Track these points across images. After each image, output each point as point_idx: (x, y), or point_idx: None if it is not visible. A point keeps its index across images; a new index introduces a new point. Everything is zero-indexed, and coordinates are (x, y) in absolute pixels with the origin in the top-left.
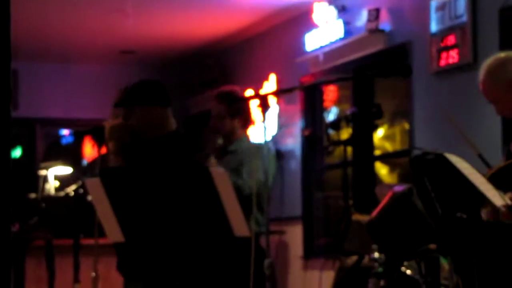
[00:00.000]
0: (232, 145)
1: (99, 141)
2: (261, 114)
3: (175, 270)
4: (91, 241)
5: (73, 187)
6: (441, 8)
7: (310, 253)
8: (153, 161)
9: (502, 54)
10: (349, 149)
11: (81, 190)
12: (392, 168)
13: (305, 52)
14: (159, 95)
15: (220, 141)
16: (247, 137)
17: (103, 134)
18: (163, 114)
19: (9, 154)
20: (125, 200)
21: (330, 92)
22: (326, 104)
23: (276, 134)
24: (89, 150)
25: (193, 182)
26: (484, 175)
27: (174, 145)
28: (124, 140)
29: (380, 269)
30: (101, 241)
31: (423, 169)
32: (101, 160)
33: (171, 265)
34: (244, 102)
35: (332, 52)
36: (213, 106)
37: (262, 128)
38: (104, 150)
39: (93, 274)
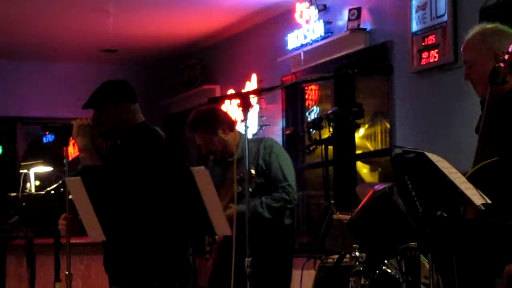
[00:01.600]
0: (234, 154)
1: (65, 139)
2: (242, 113)
3: (155, 270)
4: (72, 240)
5: (54, 185)
6: (422, 7)
7: None
8: (128, 157)
9: (500, 26)
10: (330, 148)
11: (62, 189)
12: (373, 167)
13: (287, 52)
14: (126, 92)
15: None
16: (237, 137)
17: (70, 132)
18: (132, 110)
19: None
20: (106, 199)
21: (312, 91)
22: (307, 103)
23: (257, 133)
24: (72, 149)
25: (174, 180)
26: (464, 174)
27: (141, 135)
28: (92, 137)
29: (361, 268)
30: (83, 240)
31: (404, 167)
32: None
33: (151, 264)
34: (211, 112)
35: (313, 51)
36: (192, 137)
37: (244, 127)
38: (70, 148)
39: (67, 272)
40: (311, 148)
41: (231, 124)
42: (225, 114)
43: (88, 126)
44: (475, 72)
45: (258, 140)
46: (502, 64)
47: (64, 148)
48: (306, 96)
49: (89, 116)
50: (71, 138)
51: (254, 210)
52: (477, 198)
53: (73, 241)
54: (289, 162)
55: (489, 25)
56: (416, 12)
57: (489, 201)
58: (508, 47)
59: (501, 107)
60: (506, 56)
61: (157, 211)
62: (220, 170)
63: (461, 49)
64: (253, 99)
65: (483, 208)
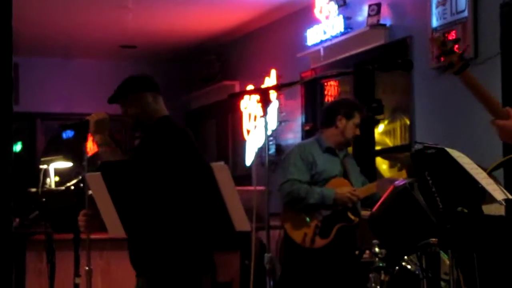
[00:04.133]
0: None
1: (83, 135)
2: (262, 109)
3: (176, 263)
4: (92, 235)
5: (74, 181)
6: (442, 3)
7: None
8: (149, 151)
9: None
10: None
11: (82, 185)
12: (393, 163)
13: (306, 47)
14: (148, 83)
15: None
16: None
17: (87, 128)
18: (156, 100)
19: (10, 148)
20: (125, 194)
21: (331, 87)
22: (326, 99)
23: (277, 129)
24: (91, 144)
25: (194, 176)
26: (484, 169)
27: (164, 129)
28: (109, 132)
29: (380, 264)
30: (102, 235)
31: (424, 163)
32: (93, 155)
33: (171, 258)
34: None
35: (333, 47)
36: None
37: (263, 123)
38: (90, 144)
39: (86, 268)
40: None
41: None
42: None
43: (104, 121)
44: None
45: None
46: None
47: (83, 144)
48: (326, 92)
49: (107, 110)
50: (89, 134)
51: None
52: (498, 193)
53: (92, 236)
54: None
55: None
56: (436, 7)
57: (510, 197)
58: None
59: None
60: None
61: (177, 206)
62: (331, 158)
63: None
64: (273, 95)
65: (504, 204)
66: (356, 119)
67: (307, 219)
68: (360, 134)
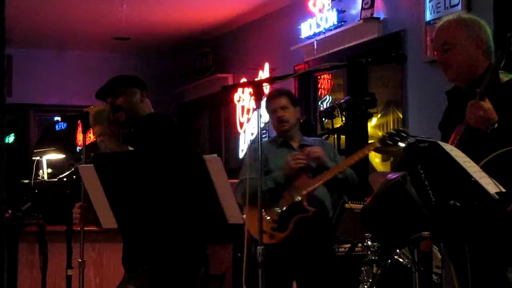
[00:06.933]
0: (305, 139)
1: (85, 127)
2: (255, 102)
3: (172, 256)
4: (84, 227)
5: (67, 173)
6: None
7: None
8: (142, 144)
9: (476, 17)
10: (343, 138)
11: (74, 176)
12: (385, 156)
13: (300, 40)
14: (138, 81)
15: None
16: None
17: (88, 119)
18: (143, 97)
19: (3, 140)
20: (118, 186)
21: (324, 80)
22: (320, 92)
23: (270, 122)
24: (83, 136)
25: (187, 168)
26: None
27: (155, 122)
28: (108, 124)
29: (373, 257)
30: (95, 227)
31: (417, 156)
32: (91, 145)
33: (166, 251)
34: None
35: (326, 40)
36: (275, 100)
37: (256, 115)
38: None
39: (79, 260)
40: (323, 137)
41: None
42: None
43: (103, 112)
44: (454, 54)
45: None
46: None
47: (83, 135)
48: (319, 85)
49: (101, 102)
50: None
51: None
52: (491, 187)
53: (85, 228)
54: None
55: (466, 15)
56: (430, 1)
57: (503, 190)
58: (484, 37)
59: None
60: None
61: (169, 199)
62: (286, 153)
63: (437, 30)
64: (266, 88)
65: (497, 197)
66: (270, 106)
67: (266, 216)
68: (281, 115)
